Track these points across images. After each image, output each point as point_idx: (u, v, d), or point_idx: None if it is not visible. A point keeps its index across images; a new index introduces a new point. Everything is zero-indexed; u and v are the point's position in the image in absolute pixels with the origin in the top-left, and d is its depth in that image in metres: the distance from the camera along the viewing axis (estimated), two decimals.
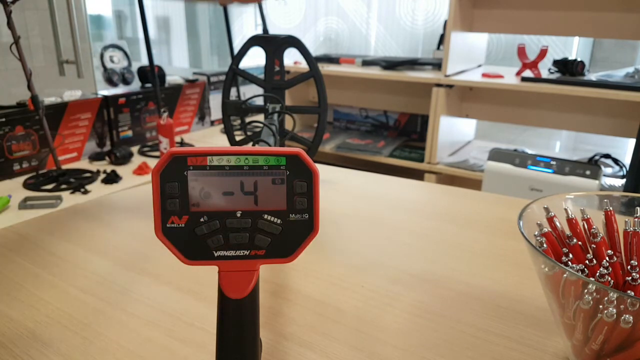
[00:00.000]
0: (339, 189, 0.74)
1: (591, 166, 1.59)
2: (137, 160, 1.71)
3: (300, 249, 0.28)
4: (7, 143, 1.47)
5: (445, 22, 1.88)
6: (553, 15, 1.80)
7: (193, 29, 2.80)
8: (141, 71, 1.96)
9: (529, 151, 1.94)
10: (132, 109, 1.83)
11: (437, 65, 2.01)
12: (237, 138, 0.74)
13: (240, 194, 0.27)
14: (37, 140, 1.54)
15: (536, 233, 0.37)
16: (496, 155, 1.73)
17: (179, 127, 2.05)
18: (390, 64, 2.07)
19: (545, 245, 0.36)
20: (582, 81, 1.65)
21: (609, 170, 1.82)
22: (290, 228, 0.28)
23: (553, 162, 1.63)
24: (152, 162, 1.69)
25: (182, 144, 1.91)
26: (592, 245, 0.37)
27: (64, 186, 1.45)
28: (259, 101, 1.83)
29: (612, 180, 1.73)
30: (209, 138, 2.05)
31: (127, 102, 1.81)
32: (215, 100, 2.19)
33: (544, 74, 1.84)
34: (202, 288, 0.47)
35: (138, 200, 0.70)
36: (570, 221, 0.39)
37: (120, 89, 1.90)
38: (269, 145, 0.43)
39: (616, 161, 1.86)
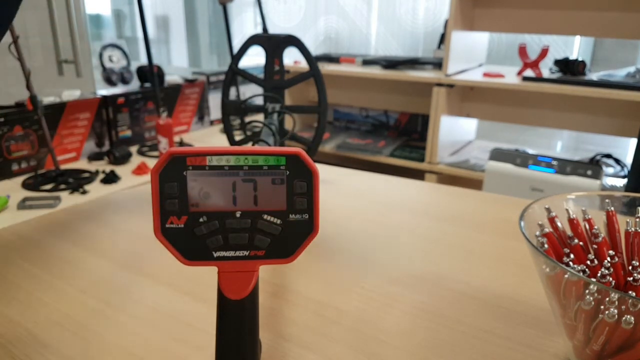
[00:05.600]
0: (339, 189, 0.74)
1: (592, 166, 1.59)
2: (136, 160, 1.71)
3: (300, 249, 0.28)
4: (5, 143, 1.47)
5: (446, 21, 1.88)
6: (554, 15, 1.80)
7: (192, 28, 2.80)
8: (140, 71, 1.96)
9: (530, 151, 1.93)
10: (131, 109, 1.83)
11: (438, 64, 2.00)
12: (237, 138, 0.74)
13: (240, 194, 0.27)
14: (35, 140, 1.54)
15: (537, 233, 0.37)
16: (497, 155, 1.73)
17: (178, 127, 2.04)
18: (391, 64, 2.07)
19: (546, 245, 0.36)
20: (584, 81, 1.65)
21: (610, 170, 1.82)
22: (290, 228, 0.27)
23: (554, 162, 1.63)
24: (151, 162, 1.69)
25: (181, 143, 1.91)
26: (594, 245, 0.37)
27: (62, 186, 1.45)
28: (259, 101, 1.82)
29: (614, 180, 1.73)
30: (208, 138, 2.04)
31: (126, 102, 1.81)
32: (214, 100, 2.19)
33: (545, 73, 1.83)
34: (201, 289, 0.47)
35: (137, 201, 0.70)
36: (572, 221, 0.38)
37: (119, 89, 1.90)
38: (269, 145, 0.43)
39: (617, 161, 1.86)
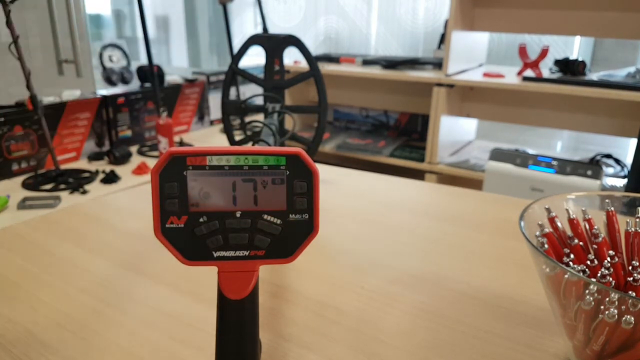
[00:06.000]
0: (339, 189, 0.74)
1: (592, 166, 1.59)
2: (136, 160, 1.71)
3: (300, 249, 0.28)
4: (5, 143, 1.47)
5: (446, 21, 1.88)
6: (554, 15, 1.80)
7: (192, 28, 2.80)
8: (140, 70, 1.96)
9: (530, 151, 1.93)
10: (131, 109, 1.83)
11: (438, 64, 2.00)
12: (237, 138, 0.74)
13: (240, 194, 0.27)
14: (35, 140, 1.54)
15: (537, 233, 0.37)
16: (497, 155, 1.73)
17: (178, 127, 2.04)
18: (391, 64, 2.07)
19: (546, 245, 0.36)
20: (584, 81, 1.65)
21: (610, 170, 1.82)
22: (290, 228, 0.27)
23: (554, 162, 1.63)
24: (151, 162, 1.68)
25: (181, 143, 1.91)
26: (594, 245, 0.37)
27: (62, 186, 1.45)
28: (259, 101, 1.82)
29: (614, 180, 1.73)
30: (208, 138, 2.04)
31: (126, 102, 1.81)
32: (214, 100, 2.19)
33: (545, 73, 1.83)
34: (201, 289, 0.47)
35: (137, 201, 0.70)
36: (572, 221, 0.38)
37: (119, 89, 1.90)
38: (269, 145, 0.43)
39: (617, 161, 1.86)
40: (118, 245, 0.56)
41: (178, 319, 0.42)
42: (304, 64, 2.18)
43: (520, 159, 1.69)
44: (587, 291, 0.29)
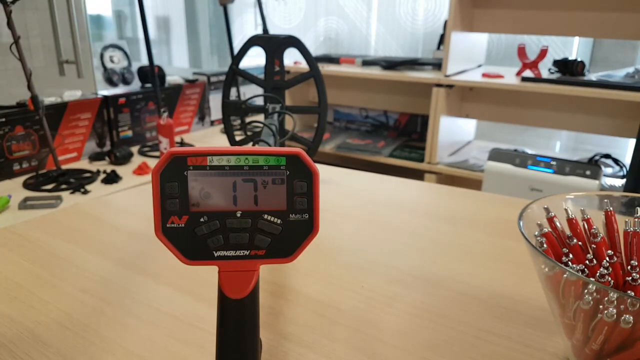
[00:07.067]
0: (339, 189, 0.74)
1: (591, 166, 1.59)
2: (137, 160, 1.71)
3: (300, 249, 0.28)
4: (7, 143, 1.47)
5: (446, 22, 1.88)
6: (553, 15, 1.80)
7: (193, 28, 2.80)
8: (141, 71, 1.96)
9: (529, 151, 1.93)
10: (132, 109, 1.83)
11: (437, 65, 2.01)
12: (237, 138, 0.74)
13: (240, 194, 0.27)
14: (37, 140, 1.54)
15: (536, 233, 0.37)
16: (496, 155, 1.73)
17: (178, 127, 2.05)
18: (391, 64, 2.07)
19: (545, 245, 0.36)
20: (582, 81, 1.65)
21: (609, 171, 1.82)
22: (290, 228, 0.28)
23: (553, 162, 1.63)
24: (152, 162, 1.69)
25: (182, 144, 1.91)
26: (592, 245, 0.37)
27: (63, 186, 1.45)
28: (259, 101, 1.82)
29: (612, 180, 1.73)
30: (209, 138, 2.05)
31: (127, 102, 1.81)
32: (215, 101, 2.19)
33: (544, 74, 1.83)
34: (202, 288, 0.47)
35: (138, 201, 0.70)
36: (571, 221, 0.38)
37: (120, 89, 1.90)
38: (269, 145, 0.43)
39: (616, 161, 1.86)
40: (119, 245, 0.56)
41: (179, 318, 0.42)
42: (304, 65, 2.18)
43: (519, 159, 1.69)
44: (586, 291, 0.30)
